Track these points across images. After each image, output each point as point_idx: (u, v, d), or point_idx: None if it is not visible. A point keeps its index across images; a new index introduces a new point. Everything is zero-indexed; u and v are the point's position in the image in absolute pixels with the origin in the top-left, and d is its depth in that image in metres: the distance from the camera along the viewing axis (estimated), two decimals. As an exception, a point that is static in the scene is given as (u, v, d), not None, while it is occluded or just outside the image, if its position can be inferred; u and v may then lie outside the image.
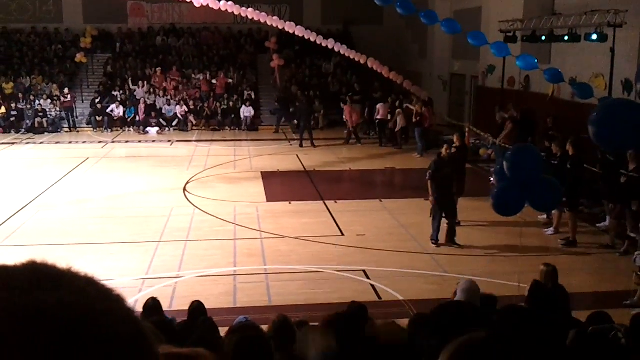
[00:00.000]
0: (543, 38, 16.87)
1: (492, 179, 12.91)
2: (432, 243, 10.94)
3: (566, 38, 15.76)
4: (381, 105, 22.04)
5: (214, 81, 27.34)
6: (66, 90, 25.58)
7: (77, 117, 25.74)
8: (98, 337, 0.63)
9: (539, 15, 17.60)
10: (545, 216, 12.17)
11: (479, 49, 19.83)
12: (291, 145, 22.20)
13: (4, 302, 0.62)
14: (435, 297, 7.56)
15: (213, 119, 26.12)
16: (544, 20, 16.95)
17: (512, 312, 3.63)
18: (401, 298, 8.68)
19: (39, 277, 0.66)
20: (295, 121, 23.85)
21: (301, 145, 21.38)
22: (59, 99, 25.54)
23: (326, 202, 14.06)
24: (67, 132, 25.06)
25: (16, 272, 0.67)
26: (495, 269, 9.71)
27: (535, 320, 3.56)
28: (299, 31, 21.06)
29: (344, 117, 22.61)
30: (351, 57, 21.95)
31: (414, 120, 20.43)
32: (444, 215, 10.95)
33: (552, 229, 11.74)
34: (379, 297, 8.77)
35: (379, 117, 22.07)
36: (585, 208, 12.62)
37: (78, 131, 25.14)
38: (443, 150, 11.21)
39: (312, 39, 21.57)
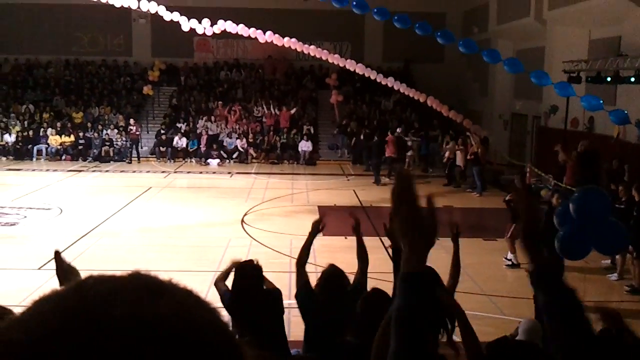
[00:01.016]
0: (608, 79, 16.56)
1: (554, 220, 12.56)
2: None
3: (632, 79, 15.44)
4: (451, 144, 21.97)
5: (276, 111, 27.74)
6: (132, 121, 26.42)
7: (142, 148, 26.52)
8: (196, 347, 0.67)
9: (604, 56, 17.30)
10: (609, 261, 11.80)
11: (542, 89, 19.58)
12: (348, 180, 22.24)
13: (110, 312, 0.67)
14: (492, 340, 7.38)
15: (272, 152, 26.49)
16: (609, 61, 16.64)
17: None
18: (457, 339, 8.49)
19: (141, 287, 0.72)
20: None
21: (377, 182, 21.19)
22: (126, 129, 26.40)
23: (382, 238, 13.98)
24: (131, 161, 25.84)
25: (122, 282, 0.73)
26: (556, 314, 9.42)
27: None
28: (359, 69, 21.20)
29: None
30: (411, 95, 21.96)
31: (467, 157, 20.33)
32: None
33: (616, 274, 11.35)
34: (434, 338, 8.61)
35: (446, 155, 22.01)
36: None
37: (140, 161, 25.85)
38: (554, 200, 10.13)
39: (372, 77, 21.71)
